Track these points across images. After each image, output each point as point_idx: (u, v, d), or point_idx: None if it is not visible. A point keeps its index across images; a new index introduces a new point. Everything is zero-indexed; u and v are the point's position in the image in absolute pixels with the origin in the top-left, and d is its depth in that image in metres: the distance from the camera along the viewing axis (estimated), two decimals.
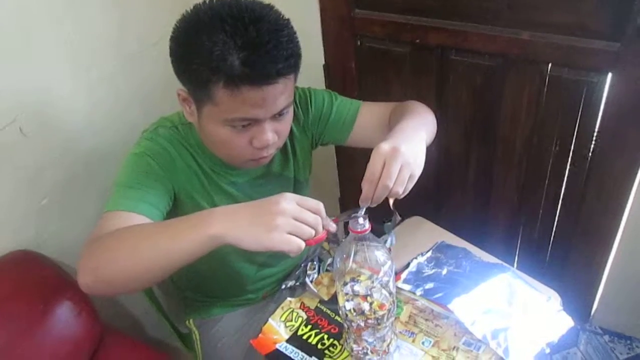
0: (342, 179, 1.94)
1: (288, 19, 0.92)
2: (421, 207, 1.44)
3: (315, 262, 1.29)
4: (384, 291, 0.91)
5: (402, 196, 0.88)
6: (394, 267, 0.92)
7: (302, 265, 1.31)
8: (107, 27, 1.29)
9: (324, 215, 0.81)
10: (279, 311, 1.13)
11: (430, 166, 1.61)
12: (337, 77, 1.70)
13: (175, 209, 1.07)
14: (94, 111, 1.32)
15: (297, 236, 0.76)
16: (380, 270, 0.90)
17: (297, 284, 1.26)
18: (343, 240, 0.94)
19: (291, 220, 0.77)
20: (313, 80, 1.69)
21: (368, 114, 1.19)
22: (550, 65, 1.31)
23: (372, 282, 0.91)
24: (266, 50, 0.85)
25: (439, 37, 1.42)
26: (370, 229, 0.87)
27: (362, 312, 0.91)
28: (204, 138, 1.03)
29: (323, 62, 1.69)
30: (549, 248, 1.62)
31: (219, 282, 1.24)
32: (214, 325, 1.27)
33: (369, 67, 1.62)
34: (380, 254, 0.90)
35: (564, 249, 1.59)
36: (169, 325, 1.38)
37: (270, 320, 1.11)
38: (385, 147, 0.89)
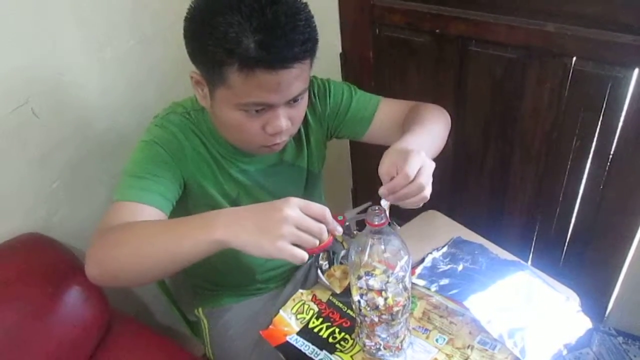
0: (356, 169, 1.91)
1: (305, 3, 0.89)
2: (436, 200, 1.40)
3: (327, 254, 1.27)
4: (399, 286, 0.89)
5: (416, 200, 0.85)
6: (410, 262, 0.89)
7: (315, 255, 1.29)
8: (122, 7, 1.26)
9: (329, 220, 0.78)
10: (290, 303, 1.11)
11: (447, 159, 1.61)
12: (354, 66, 1.66)
13: (185, 197, 1.05)
14: (107, 93, 1.30)
15: (300, 246, 0.74)
16: (396, 264, 0.87)
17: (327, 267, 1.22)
18: (356, 232, 0.92)
19: (294, 229, 0.74)
20: (329, 69, 1.67)
21: (387, 111, 1.16)
22: (574, 58, 1.27)
23: (388, 276, 0.88)
24: (283, 33, 0.82)
25: (459, 27, 1.39)
26: (387, 222, 0.85)
27: (376, 307, 0.89)
28: (216, 122, 1.00)
29: (340, 51, 1.66)
30: (565, 246, 1.59)
31: (229, 272, 1.22)
32: (223, 314, 1.26)
33: (386, 56, 1.59)
34: (397, 248, 0.87)
35: (580, 248, 1.56)
36: (178, 313, 1.37)
37: (281, 311, 1.09)
38: (402, 145, 0.89)
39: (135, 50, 1.31)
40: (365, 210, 0.86)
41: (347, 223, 0.86)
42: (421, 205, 0.86)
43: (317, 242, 0.76)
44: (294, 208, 0.75)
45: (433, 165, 0.87)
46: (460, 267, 1.12)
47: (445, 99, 1.51)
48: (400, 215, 1.38)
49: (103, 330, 1.14)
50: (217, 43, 0.84)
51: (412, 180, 0.82)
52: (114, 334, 1.16)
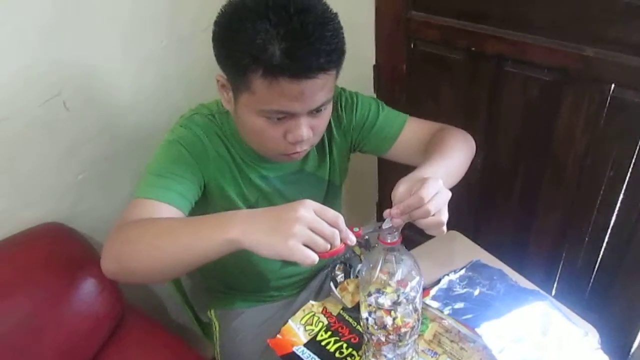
0: (382, 183, 1.89)
1: (336, 13, 0.88)
2: (460, 221, 1.38)
3: (344, 265, 1.25)
4: (409, 307, 0.87)
5: (431, 225, 0.83)
6: (422, 283, 0.87)
7: (331, 266, 1.27)
8: (160, 8, 1.28)
9: (342, 228, 0.77)
10: (299, 313, 1.10)
11: (475, 179, 1.58)
12: (387, 78, 1.65)
13: (205, 198, 1.06)
14: (139, 92, 1.32)
15: (311, 248, 0.73)
16: (407, 284, 0.85)
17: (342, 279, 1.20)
18: (376, 246, 0.91)
19: (307, 230, 0.73)
20: (362, 80, 1.66)
21: (412, 131, 1.15)
22: (613, 85, 1.22)
23: (398, 295, 0.86)
24: (309, 42, 0.82)
25: (496, 46, 1.36)
26: (400, 240, 0.83)
27: (384, 326, 0.88)
28: (239, 126, 1.01)
29: (374, 63, 1.65)
30: (592, 279, 1.53)
31: (243, 275, 1.22)
32: (234, 318, 1.26)
33: (420, 71, 1.57)
34: (409, 268, 0.86)
35: (607, 282, 1.50)
36: (190, 313, 1.38)
37: (290, 321, 1.08)
38: (420, 174, 0.88)
39: (169, 51, 1.33)
40: (384, 228, 0.84)
41: (365, 237, 0.85)
42: (440, 231, 0.84)
43: (328, 246, 0.75)
44: (309, 210, 0.75)
45: (449, 194, 0.85)
46: (476, 292, 1.09)
47: (477, 117, 1.48)
48: (421, 233, 1.36)
49: (115, 323, 1.16)
50: (244, 49, 0.84)
51: (425, 204, 0.80)
52: (125, 328, 1.18)
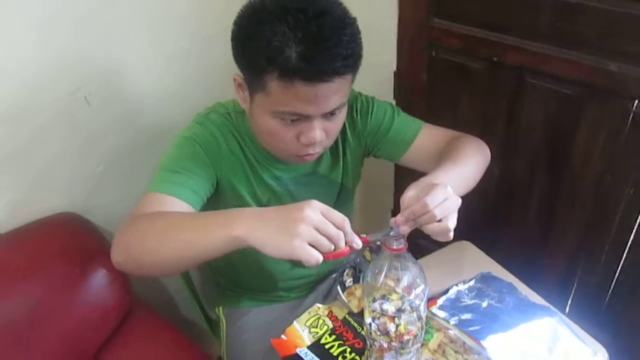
0: (398, 190, 1.88)
1: (354, 18, 0.88)
2: (474, 233, 1.37)
3: (353, 270, 1.25)
4: (413, 315, 0.86)
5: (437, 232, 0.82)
6: (427, 292, 0.86)
7: (340, 270, 1.27)
8: (186, 6, 1.29)
9: (348, 230, 0.76)
10: (305, 315, 1.10)
11: (491, 191, 1.56)
12: (407, 85, 1.64)
13: (217, 196, 1.06)
14: (161, 90, 1.33)
15: (316, 248, 0.73)
16: (412, 291, 0.85)
17: (350, 284, 1.20)
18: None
19: (312, 230, 0.73)
20: (382, 86, 1.66)
21: (427, 138, 1.14)
22: (636, 101, 1.20)
23: (403, 303, 0.86)
24: (326, 46, 0.82)
25: (518, 57, 1.34)
26: (406, 247, 0.82)
27: (387, 333, 0.87)
28: (253, 126, 1.01)
29: (394, 69, 1.65)
30: (607, 298, 1.50)
31: (251, 274, 1.23)
32: (241, 316, 1.26)
33: (440, 79, 1.56)
34: (414, 275, 0.85)
35: (622, 302, 1.46)
36: (198, 308, 1.39)
37: (295, 322, 1.08)
38: (430, 179, 0.87)
39: (192, 51, 1.35)
40: (390, 234, 0.84)
41: (377, 243, 0.84)
42: (446, 237, 0.83)
43: (332, 247, 0.75)
44: (315, 210, 0.75)
45: (459, 201, 0.84)
46: (484, 304, 1.08)
47: (494, 128, 1.47)
48: (433, 241, 1.35)
49: (122, 316, 1.17)
50: (260, 50, 0.84)
51: (431, 210, 0.79)
52: (132, 321, 1.19)
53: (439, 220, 0.81)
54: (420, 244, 1.47)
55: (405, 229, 0.82)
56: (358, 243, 0.78)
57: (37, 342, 1.04)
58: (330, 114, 0.92)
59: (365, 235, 0.82)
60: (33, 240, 1.12)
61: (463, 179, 0.99)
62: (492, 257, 1.25)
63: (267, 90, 0.87)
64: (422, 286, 0.85)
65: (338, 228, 0.75)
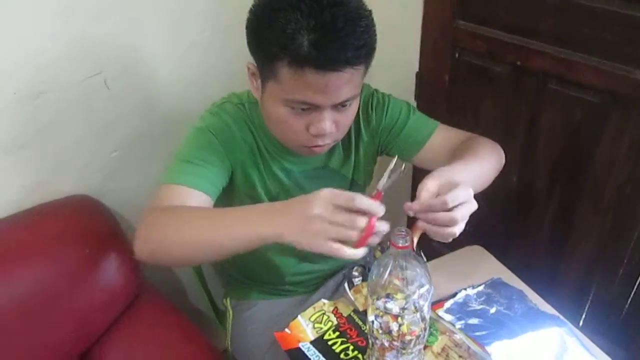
0: (415, 187, 1.86)
1: (370, 10, 0.88)
2: (487, 238, 1.34)
3: (362, 268, 1.24)
4: (417, 315, 0.85)
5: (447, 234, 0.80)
6: (431, 292, 0.85)
7: (349, 267, 1.27)
8: None
9: (360, 206, 0.73)
10: (310, 310, 1.09)
11: (510, 197, 1.54)
12: (429, 87, 1.63)
13: (231, 185, 1.07)
14: (179, 78, 1.34)
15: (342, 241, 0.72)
16: (416, 291, 0.84)
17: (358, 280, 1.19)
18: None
19: (327, 226, 0.72)
20: (404, 86, 1.65)
21: (442, 138, 1.12)
22: None
23: (407, 302, 0.85)
24: (338, 36, 0.82)
25: (542, 62, 1.32)
26: (412, 246, 0.81)
27: (389, 332, 0.86)
28: (264, 115, 1.01)
29: (417, 70, 1.63)
30: (623, 313, 1.46)
31: (260, 267, 1.23)
32: (248, 308, 1.26)
33: (463, 81, 1.55)
34: (419, 275, 0.84)
35: (639, 318, 1.43)
36: (207, 299, 1.39)
37: (299, 317, 1.08)
38: (452, 173, 0.85)
39: (213, 40, 1.35)
40: (395, 170, 0.81)
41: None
42: (449, 240, 0.82)
43: (355, 234, 0.73)
44: (323, 205, 0.73)
45: (475, 206, 0.81)
46: (493, 310, 1.06)
47: (515, 133, 1.45)
48: (445, 245, 1.33)
49: (130, 300, 1.18)
50: (273, 37, 0.84)
51: (448, 210, 0.78)
52: (139, 305, 1.20)
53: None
54: (434, 247, 1.46)
55: (420, 227, 0.81)
56: (376, 208, 0.74)
57: (47, 319, 1.05)
58: (341, 106, 0.92)
59: (375, 193, 0.80)
60: (45, 221, 1.13)
61: (478, 177, 0.97)
62: (505, 265, 1.23)
63: (278, 78, 0.87)
64: (427, 286, 0.84)
65: (351, 210, 0.73)
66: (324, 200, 0.74)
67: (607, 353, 1.01)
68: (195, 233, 0.84)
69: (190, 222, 0.86)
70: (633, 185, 1.27)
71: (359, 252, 0.74)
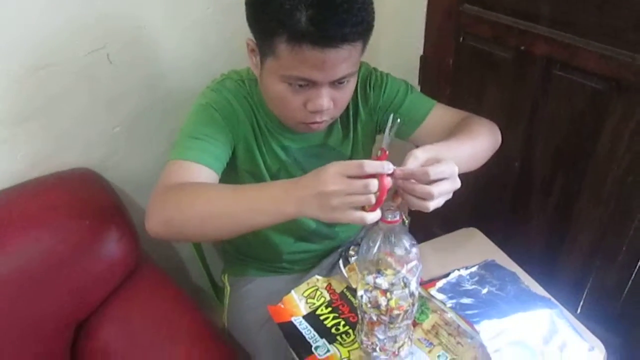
0: None
1: None
2: (488, 224, 1.35)
3: (358, 247, 1.25)
4: (405, 291, 0.86)
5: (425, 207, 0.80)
6: (420, 268, 0.86)
7: (346, 246, 1.28)
8: None
9: (369, 170, 0.73)
10: (303, 286, 1.10)
11: (510, 184, 1.53)
12: (433, 70, 1.63)
13: (233, 161, 1.08)
14: (182, 55, 1.35)
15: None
16: (404, 266, 0.84)
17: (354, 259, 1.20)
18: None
19: (344, 198, 0.73)
20: (407, 69, 1.64)
21: (439, 117, 1.12)
22: None
23: (396, 277, 0.86)
24: (336, 12, 0.82)
25: (546, 48, 1.31)
26: (401, 221, 0.82)
27: (378, 306, 0.87)
28: (263, 92, 1.02)
29: (421, 53, 1.63)
30: (621, 301, 1.46)
31: (258, 244, 1.24)
32: (245, 284, 1.28)
33: (467, 66, 1.54)
34: (408, 250, 0.84)
35: (637, 306, 1.42)
36: (206, 275, 1.41)
37: (292, 292, 1.09)
38: (444, 149, 0.86)
39: (215, 17, 1.36)
40: (393, 126, 0.82)
41: (385, 146, 0.80)
42: (423, 210, 0.80)
43: (372, 197, 0.74)
44: (337, 180, 0.74)
45: (458, 184, 0.81)
46: (485, 290, 1.07)
47: (518, 119, 1.44)
48: (441, 226, 1.33)
49: (128, 271, 1.19)
50: (272, 13, 0.85)
51: (430, 184, 0.78)
52: (137, 277, 1.22)
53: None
54: (430, 229, 1.46)
55: (398, 202, 0.81)
56: (385, 166, 0.75)
57: (46, 288, 1.07)
58: (338, 83, 0.92)
59: (380, 153, 0.79)
60: (47, 192, 1.15)
61: (471, 156, 0.98)
62: (505, 251, 1.23)
63: (276, 54, 0.88)
64: (415, 262, 0.85)
65: (361, 177, 0.74)
66: (336, 174, 0.74)
67: (605, 342, 1.01)
68: (212, 208, 0.85)
69: (208, 198, 0.87)
70: (634, 174, 1.26)
71: (378, 214, 0.76)
